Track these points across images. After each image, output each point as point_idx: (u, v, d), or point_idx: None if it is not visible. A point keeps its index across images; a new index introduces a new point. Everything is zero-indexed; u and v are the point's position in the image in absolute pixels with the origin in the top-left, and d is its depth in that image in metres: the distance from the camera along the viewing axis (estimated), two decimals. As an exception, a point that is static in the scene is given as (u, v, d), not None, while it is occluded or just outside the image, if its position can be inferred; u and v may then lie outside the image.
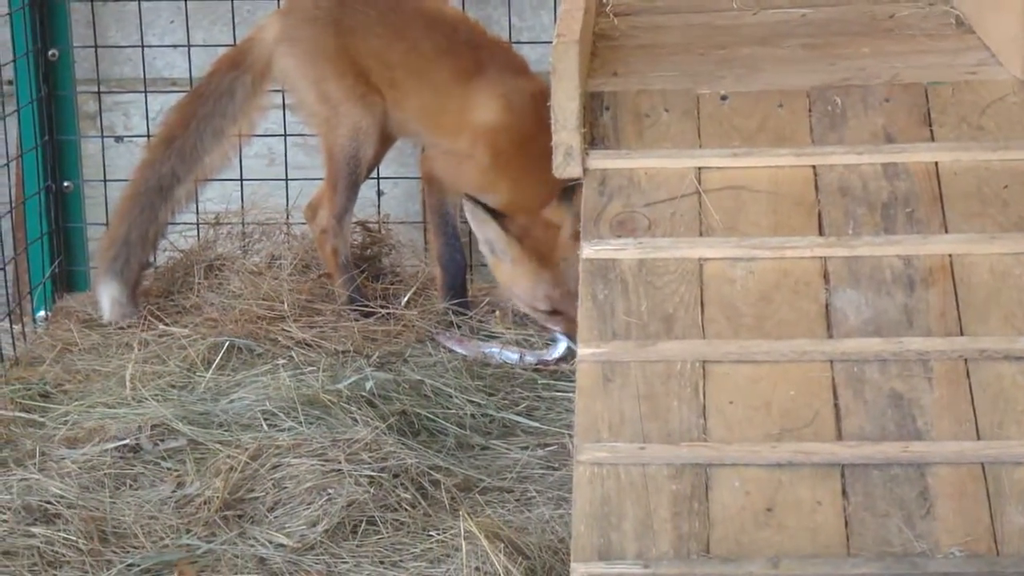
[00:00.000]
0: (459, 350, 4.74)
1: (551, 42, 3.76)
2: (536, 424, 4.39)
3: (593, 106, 3.89)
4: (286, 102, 5.28)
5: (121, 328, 5.02)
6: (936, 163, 3.67)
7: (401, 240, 5.41)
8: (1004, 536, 2.97)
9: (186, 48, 5.57)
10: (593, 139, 3.83)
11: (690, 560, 2.98)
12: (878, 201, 3.60)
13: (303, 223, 5.28)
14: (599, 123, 3.87)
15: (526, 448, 4.26)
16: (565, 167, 3.77)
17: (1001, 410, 3.17)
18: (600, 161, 3.76)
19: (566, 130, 3.75)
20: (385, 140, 5.09)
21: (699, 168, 3.72)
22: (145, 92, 5.62)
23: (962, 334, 3.30)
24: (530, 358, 4.77)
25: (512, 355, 4.76)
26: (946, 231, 3.51)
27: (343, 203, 5.07)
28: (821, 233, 3.55)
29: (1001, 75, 3.89)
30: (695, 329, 3.37)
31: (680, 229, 3.59)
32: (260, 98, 5.13)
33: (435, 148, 4.99)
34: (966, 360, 3.26)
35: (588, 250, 3.55)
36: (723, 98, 3.90)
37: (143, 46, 5.61)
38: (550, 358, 4.76)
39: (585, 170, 3.75)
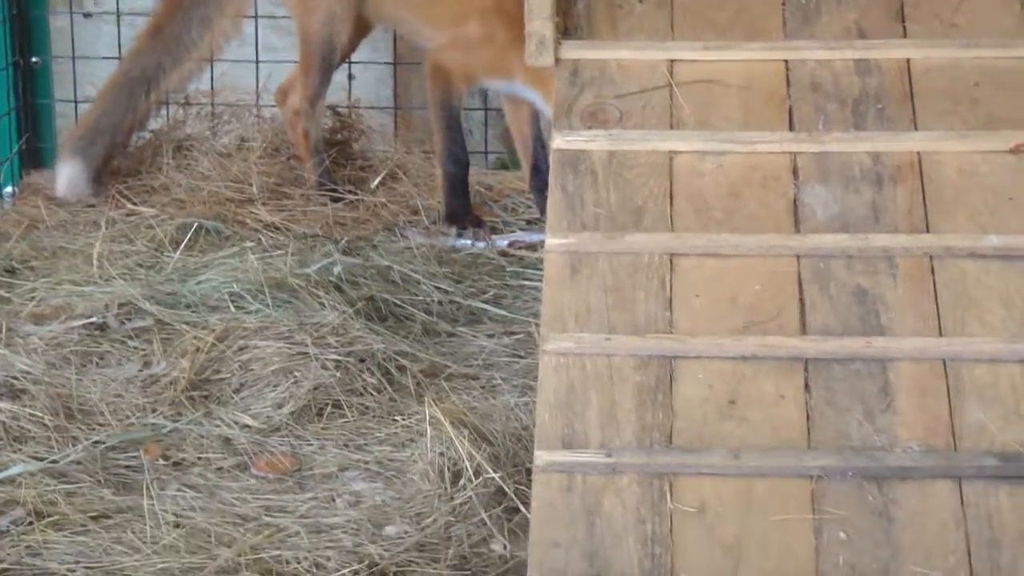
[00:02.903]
0: (426, 241, 4.74)
1: (526, -70, 3.74)
2: (503, 312, 4.40)
3: (567, -4, 3.88)
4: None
5: (89, 206, 5.01)
6: (908, 60, 3.67)
7: (371, 125, 5.39)
8: (962, 432, 3.01)
9: (159, -77, 5.50)
10: (566, 28, 3.81)
11: (652, 450, 3.01)
12: (849, 97, 3.61)
13: (273, 105, 5.26)
14: (573, 12, 3.86)
15: (492, 336, 4.28)
16: (538, 56, 3.77)
17: (964, 307, 3.19)
18: (573, 51, 3.76)
19: (539, 19, 3.74)
20: (361, 27, 5.05)
21: (671, 61, 3.72)
22: (115, -31, 5.57)
23: (928, 231, 3.32)
24: (501, 242, 4.79)
25: (481, 243, 4.77)
26: (916, 128, 3.53)
27: (316, 86, 5.04)
28: (791, 128, 3.56)
29: (976, -28, 3.88)
30: (663, 222, 3.38)
31: (651, 122, 3.59)
32: None
33: (436, 39, 4.87)
34: (931, 257, 3.28)
35: (559, 140, 3.55)
36: (697, -11, 3.89)
37: (115, -80, 5.55)
38: (523, 240, 4.77)
39: (557, 60, 3.75)
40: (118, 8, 5.55)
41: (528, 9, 3.75)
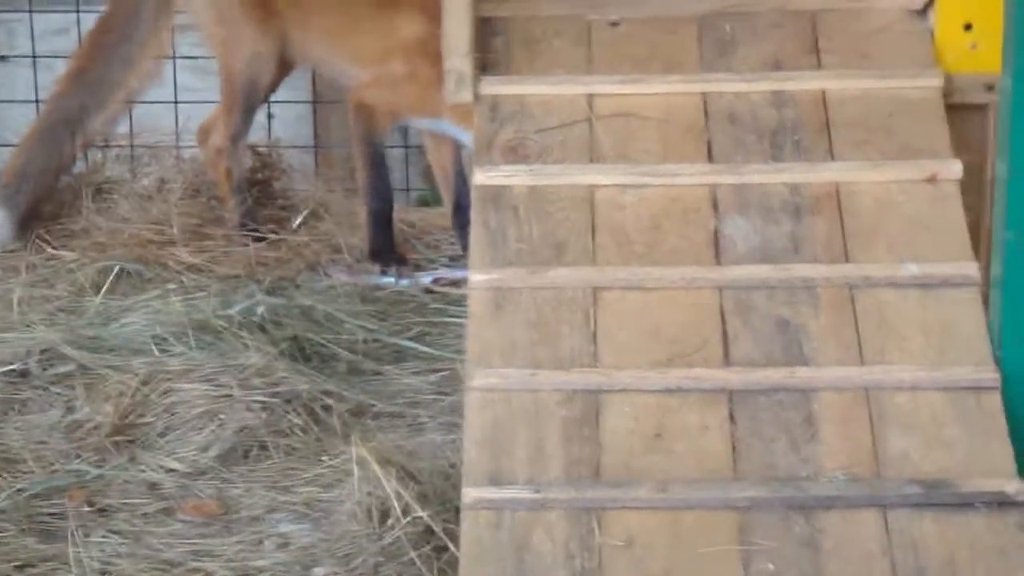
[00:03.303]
0: (350, 279, 4.74)
1: (442, -34, 3.76)
2: (428, 350, 4.39)
3: (485, 31, 3.89)
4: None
5: (8, 251, 4.96)
6: (823, 91, 3.71)
7: (292, 164, 5.38)
8: (886, 459, 3.04)
9: (71, -34, 5.49)
10: (485, 65, 3.83)
11: (580, 484, 3.02)
12: (767, 129, 3.64)
13: (193, 146, 5.23)
14: (491, 48, 3.88)
15: (418, 373, 4.27)
16: (457, 93, 3.78)
17: (884, 336, 3.22)
18: (492, 87, 3.77)
19: (457, 55, 3.76)
20: (284, 65, 5.04)
21: (590, 95, 3.74)
22: (30, 11, 5.54)
23: (847, 261, 3.36)
24: (425, 279, 4.79)
25: (405, 280, 4.77)
26: (832, 159, 3.56)
27: (238, 125, 5.02)
28: (711, 160, 3.58)
29: (887, 3, 3.93)
30: (586, 256, 3.40)
31: (571, 156, 3.61)
32: (167, 19, 5.06)
33: (360, 78, 4.87)
34: (851, 287, 3.31)
35: (480, 176, 3.57)
36: (614, 24, 3.92)
37: (26, -36, 5.53)
38: (446, 276, 4.78)
39: (477, 96, 3.76)
40: (34, 51, 5.52)
41: (446, 46, 3.76)
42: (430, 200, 5.47)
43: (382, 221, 4.89)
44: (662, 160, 3.58)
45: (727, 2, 3.97)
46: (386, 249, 4.87)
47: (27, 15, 5.55)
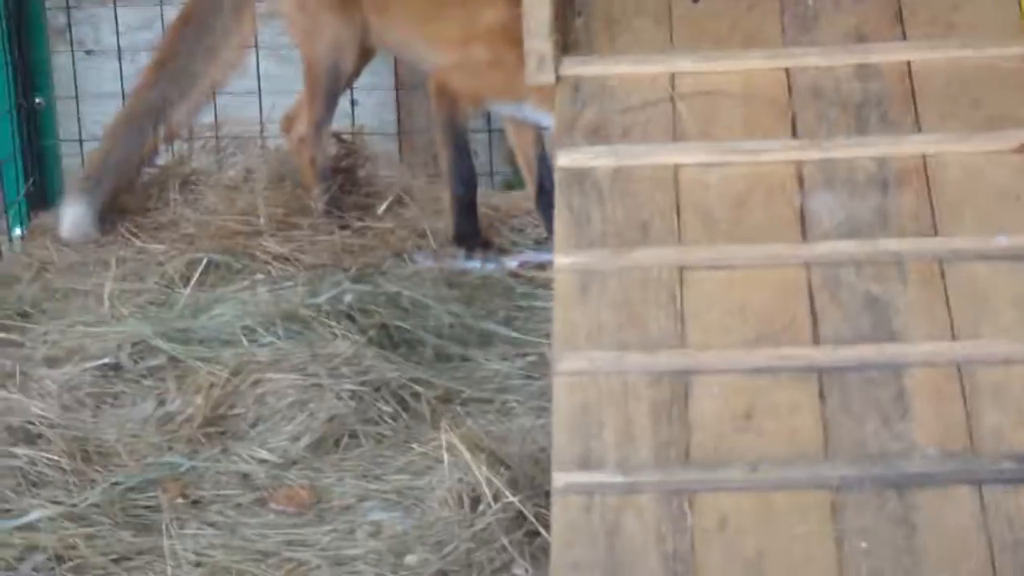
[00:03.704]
0: (435, 265, 4.74)
1: (523, -51, 3.74)
2: (515, 334, 4.39)
3: (565, 12, 3.87)
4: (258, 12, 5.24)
5: (98, 245, 5.01)
6: (908, 62, 3.66)
7: (376, 151, 5.39)
8: (979, 435, 2.99)
9: (156, -41, 5.53)
10: (566, 45, 3.81)
11: (670, 467, 3.00)
12: (851, 102, 3.60)
13: (277, 136, 5.26)
14: (571, 29, 3.86)
15: (505, 358, 4.27)
16: (538, 74, 3.76)
17: (975, 310, 3.18)
18: (573, 68, 3.75)
19: (538, 37, 3.74)
20: (365, 53, 5.05)
21: (672, 73, 3.71)
22: (115, 5, 5.58)
23: (936, 235, 3.31)
24: (511, 263, 4.78)
25: (491, 264, 4.76)
26: (919, 131, 3.51)
27: (322, 113, 5.05)
28: (795, 136, 3.54)
29: (973, -28, 3.87)
30: (671, 236, 3.37)
31: (654, 135, 3.58)
32: (249, 8, 5.09)
33: (441, 63, 4.86)
34: (940, 261, 3.26)
35: (563, 159, 3.54)
36: (695, 1, 3.88)
37: (112, -41, 5.57)
38: (532, 260, 4.77)
39: (558, 77, 3.74)
40: (119, 44, 5.55)
41: (527, 27, 3.75)
42: (514, 183, 5.47)
43: (466, 206, 4.88)
44: (746, 137, 3.54)
45: (808, -25, 3.93)
46: (471, 234, 4.87)
47: (111, 10, 5.58)
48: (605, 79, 3.72)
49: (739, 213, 3.41)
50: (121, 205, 5.16)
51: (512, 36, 4.42)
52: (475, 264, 4.78)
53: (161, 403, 4.04)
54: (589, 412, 3.10)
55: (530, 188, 5.04)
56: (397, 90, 5.59)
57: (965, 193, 3.37)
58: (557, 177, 3.54)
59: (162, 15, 5.48)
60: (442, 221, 4.97)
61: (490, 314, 4.48)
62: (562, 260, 3.36)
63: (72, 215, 5.03)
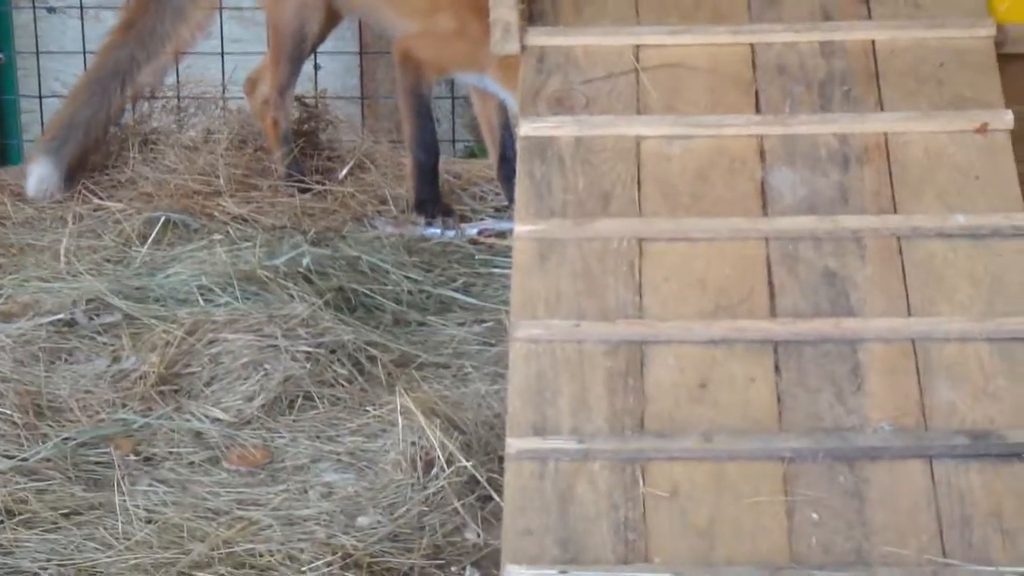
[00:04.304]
0: (396, 230, 4.74)
1: (491, -84, 3.73)
2: (473, 300, 4.40)
3: (532, -18, 3.86)
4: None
5: (56, 202, 4.98)
6: (873, 41, 3.67)
7: (339, 115, 5.38)
8: (932, 411, 3.01)
9: (120, -85, 5.49)
10: (531, 15, 3.80)
11: (624, 435, 3.01)
12: (815, 79, 3.61)
13: (239, 97, 5.24)
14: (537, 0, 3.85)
15: (463, 324, 4.27)
16: (503, 44, 3.76)
17: (932, 287, 3.20)
18: (538, 38, 3.75)
19: (504, 6, 3.74)
20: (331, 16, 5.03)
21: (637, 45, 3.71)
22: (79, -37, 5.55)
23: (896, 212, 3.33)
24: (471, 230, 4.79)
25: (450, 231, 4.77)
26: (882, 109, 3.53)
27: (286, 76, 5.03)
28: (758, 111, 3.56)
29: (940, -47, 3.89)
30: (632, 207, 3.38)
31: (618, 107, 3.59)
32: None
33: (407, 29, 4.86)
34: (899, 238, 3.28)
35: (526, 127, 3.55)
36: (661, -26, 3.88)
37: (76, -88, 5.53)
38: (492, 228, 4.77)
39: (523, 47, 3.74)
40: (81, 2, 5.52)
41: (493, -3, 3.74)
42: (476, 151, 5.47)
43: (427, 172, 4.88)
44: (709, 111, 3.55)
45: (775, -49, 3.94)
46: (431, 200, 4.87)
47: (75, -33, 5.56)
48: (570, 50, 3.72)
49: (700, 186, 3.42)
50: (88, 164, 5.12)
51: (477, 6, 4.43)
52: (435, 231, 4.78)
53: (115, 360, 4.03)
54: (545, 379, 3.11)
55: (492, 157, 5.04)
56: (361, 55, 5.58)
57: (925, 171, 3.39)
58: (520, 146, 3.54)
59: (126, -26, 5.44)
60: (403, 187, 4.97)
61: (449, 280, 4.49)
62: (522, 228, 3.37)
63: (38, 174, 5.00)
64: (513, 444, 3.01)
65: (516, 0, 3.72)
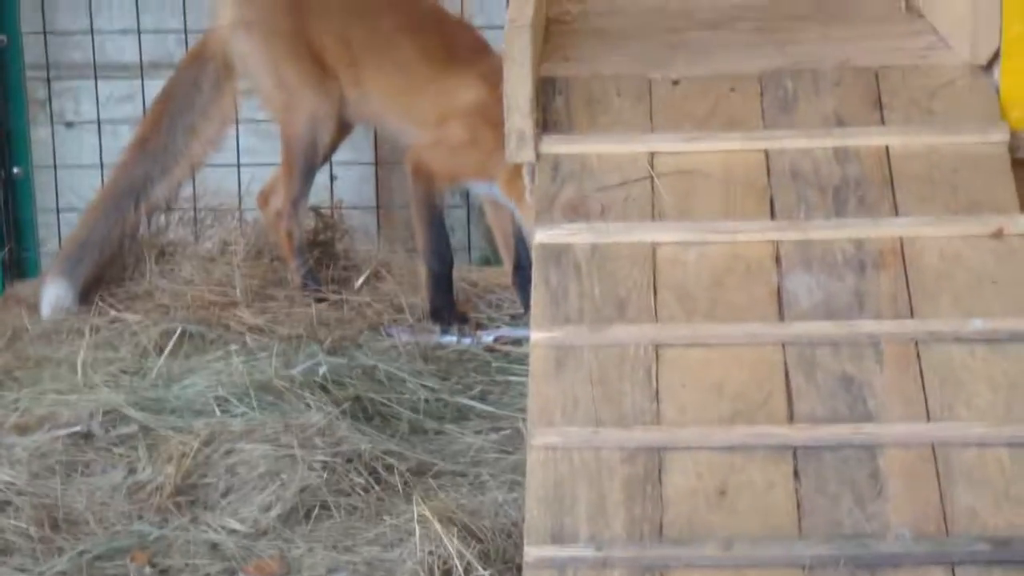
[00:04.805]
0: (412, 339, 4.74)
1: (504, 27, 3.76)
2: (490, 408, 4.38)
3: (546, 91, 3.89)
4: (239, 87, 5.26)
5: (72, 315, 4.99)
6: (887, 147, 3.69)
7: (354, 225, 5.40)
8: (953, 516, 2.99)
9: (136, 33, 5.54)
10: (546, 124, 3.83)
11: (643, 543, 2.99)
12: (829, 185, 3.62)
13: (255, 209, 5.26)
14: (552, 108, 3.88)
15: (480, 432, 4.26)
16: (518, 152, 3.78)
17: (951, 391, 3.19)
18: (553, 146, 3.77)
19: (519, 115, 3.76)
20: (342, 127, 5.07)
21: (651, 152, 3.73)
22: (95, 78, 5.60)
23: (912, 317, 3.33)
24: (487, 337, 4.79)
25: (467, 339, 4.77)
26: (896, 214, 3.54)
27: (299, 188, 5.05)
28: (773, 217, 3.56)
29: (950, 59, 3.91)
30: (648, 313, 3.38)
31: (633, 213, 3.60)
32: (229, 86, 5.10)
33: (417, 138, 4.89)
34: (916, 342, 3.28)
35: (541, 235, 3.56)
36: (675, 83, 3.91)
37: (93, 31, 5.58)
38: (508, 335, 4.77)
39: (538, 155, 3.76)
40: (99, 117, 5.57)
41: (508, 106, 3.76)
42: (492, 259, 5.48)
43: (441, 281, 4.90)
44: (724, 217, 3.56)
45: (788, 60, 3.97)
46: (446, 308, 4.88)
47: (92, 82, 5.60)
48: (585, 157, 3.74)
49: (716, 292, 3.42)
50: (104, 280, 5.14)
51: (487, 115, 4.47)
52: (451, 339, 4.78)
53: (131, 471, 4.02)
54: (563, 487, 3.10)
55: (507, 264, 5.05)
56: (376, 165, 5.61)
57: (942, 276, 3.39)
58: (535, 253, 3.55)
59: (143, 88, 5.49)
60: (419, 296, 4.97)
61: (466, 388, 4.48)
62: (538, 335, 3.37)
63: (52, 295, 5.02)
64: (531, 552, 3.00)
65: (531, 109, 3.74)
